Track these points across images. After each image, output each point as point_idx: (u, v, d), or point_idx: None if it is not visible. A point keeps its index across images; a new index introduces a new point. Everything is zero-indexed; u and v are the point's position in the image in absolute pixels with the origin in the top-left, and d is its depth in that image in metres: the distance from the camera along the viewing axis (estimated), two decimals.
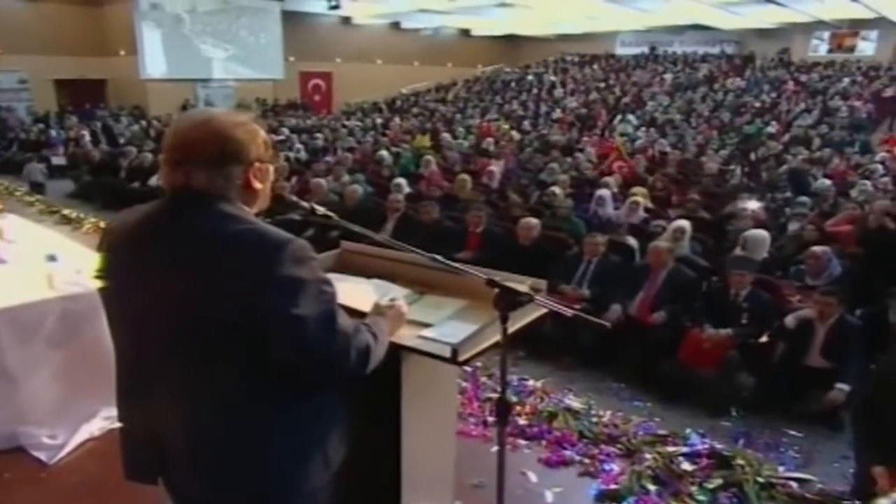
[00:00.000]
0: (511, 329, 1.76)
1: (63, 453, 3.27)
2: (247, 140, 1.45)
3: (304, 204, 1.73)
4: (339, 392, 1.56)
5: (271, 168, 1.52)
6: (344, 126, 18.53)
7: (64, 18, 22.33)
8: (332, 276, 1.47)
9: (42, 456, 3.23)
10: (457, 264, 1.87)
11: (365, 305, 1.75)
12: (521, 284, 1.75)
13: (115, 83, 24.41)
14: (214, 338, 1.35)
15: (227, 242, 1.36)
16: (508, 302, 1.69)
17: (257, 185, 1.48)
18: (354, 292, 1.65)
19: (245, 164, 1.44)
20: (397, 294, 2.00)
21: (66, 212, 9.67)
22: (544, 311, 1.88)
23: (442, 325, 1.96)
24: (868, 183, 9.09)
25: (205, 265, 1.35)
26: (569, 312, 1.77)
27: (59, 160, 13.99)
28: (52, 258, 3.71)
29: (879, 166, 11.07)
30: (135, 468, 1.58)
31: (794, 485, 3.23)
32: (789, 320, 4.56)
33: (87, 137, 15.06)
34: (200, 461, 1.46)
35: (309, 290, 1.36)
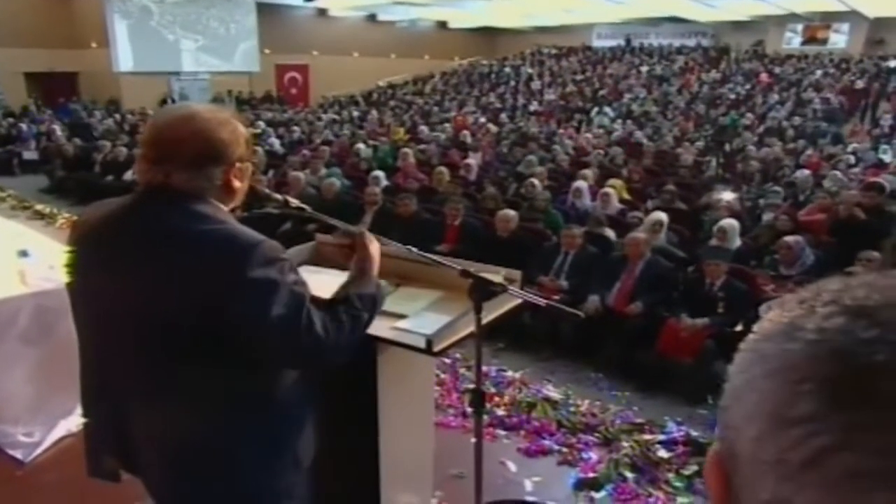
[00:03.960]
0: (485, 319, 1.77)
1: (39, 451, 3.24)
2: (231, 140, 1.42)
3: (277, 196, 1.73)
4: (309, 390, 1.55)
5: (250, 165, 1.50)
6: (320, 119, 18.40)
7: (32, 9, 21.72)
8: (307, 269, 1.46)
9: (18, 454, 3.20)
10: (431, 256, 1.87)
11: None
12: (495, 275, 1.76)
13: (87, 76, 23.91)
14: (181, 337, 1.33)
15: (196, 242, 1.33)
16: (482, 292, 1.70)
17: (237, 184, 1.46)
18: (329, 285, 1.64)
19: (227, 165, 1.42)
20: None
21: (39, 207, 9.55)
22: (518, 301, 1.89)
23: (417, 316, 1.96)
24: (839, 173, 9.21)
25: (173, 264, 1.33)
26: (542, 303, 1.78)
27: (30, 155, 13.78)
28: (24, 254, 3.66)
29: (851, 157, 11.24)
30: (98, 466, 1.56)
31: None
32: (764, 309, 4.62)
33: (59, 132, 14.75)
34: (169, 458, 1.44)
35: (281, 291, 1.34)
